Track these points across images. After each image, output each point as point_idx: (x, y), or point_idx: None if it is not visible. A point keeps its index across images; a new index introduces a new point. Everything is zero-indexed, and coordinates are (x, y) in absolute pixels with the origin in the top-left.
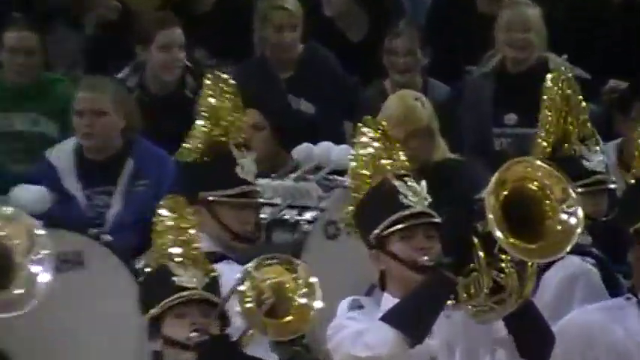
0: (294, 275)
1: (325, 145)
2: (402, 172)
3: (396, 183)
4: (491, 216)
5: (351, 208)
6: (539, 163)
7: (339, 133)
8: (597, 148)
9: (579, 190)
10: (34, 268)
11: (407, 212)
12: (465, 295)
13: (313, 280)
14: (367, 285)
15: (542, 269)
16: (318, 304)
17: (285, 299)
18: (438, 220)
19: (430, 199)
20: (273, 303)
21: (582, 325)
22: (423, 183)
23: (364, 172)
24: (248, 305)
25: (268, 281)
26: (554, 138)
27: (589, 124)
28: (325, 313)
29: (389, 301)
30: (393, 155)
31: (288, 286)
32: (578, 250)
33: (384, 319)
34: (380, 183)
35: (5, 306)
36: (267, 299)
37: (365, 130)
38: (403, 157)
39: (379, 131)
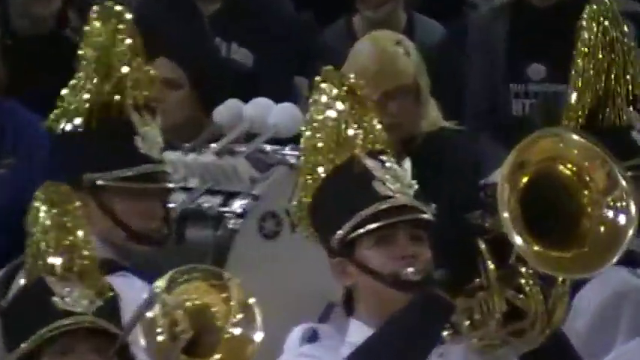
0: (223, 295)
1: (260, 103)
2: (378, 147)
3: (369, 163)
4: (505, 213)
5: (303, 196)
6: (575, 136)
7: (287, 91)
8: None
9: (629, 174)
10: None
11: (385, 205)
12: (467, 324)
13: (251, 301)
14: (323, 304)
15: (575, 286)
16: (258, 335)
17: (212, 330)
18: (428, 216)
19: (417, 186)
20: (193, 335)
21: None
22: (407, 163)
23: (323, 145)
24: (158, 339)
25: (187, 304)
26: (592, 100)
27: None
28: (265, 345)
29: (358, 330)
30: (364, 123)
31: (215, 310)
32: (627, 260)
33: (351, 359)
34: (346, 163)
35: None
36: (185, 331)
37: (325, 86)
38: (379, 126)
39: (345, 88)
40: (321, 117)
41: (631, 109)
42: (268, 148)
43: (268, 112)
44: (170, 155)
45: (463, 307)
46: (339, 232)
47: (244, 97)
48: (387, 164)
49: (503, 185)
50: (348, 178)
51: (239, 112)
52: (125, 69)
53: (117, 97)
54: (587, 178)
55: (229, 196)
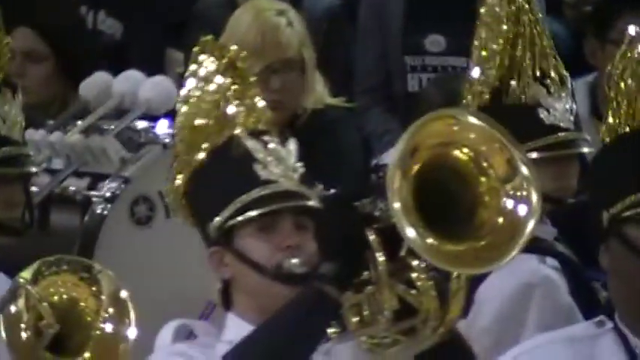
0: (93, 289)
1: (130, 77)
2: (261, 127)
3: (251, 144)
4: (396, 204)
5: (178, 179)
6: (472, 118)
7: (159, 64)
8: (563, 91)
9: (534, 155)
10: None
11: (266, 191)
12: (355, 321)
13: (123, 295)
14: (201, 297)
15: (479, 278)
16: (131, 332)
17: (81, 326)
18: (313, 203)
19: (302, 170)
20: (60, 332)
21: None
22: (292, 145)
23: (200, 122)
24: (22, 334)
25: (53, 298)
26: (496, 75)
27: (551, 54)
28: (137, 342)
29: (235, 326)
30: (246, 100)
31: (84, 305)
32: (536, 248)
33: (228, 359)
34: (225, 143)
35: None
36: (50, 326)
37: (203, 58)
38: (262, 104)
39: (226, 61)
40: (198, 92)
41: (538, 85)
42: (140, 125)
43: (139, 87)
44: (33, 134)
45: (351, 302)
46: (217, 219)
47: (113, 71)
48: (270, 145)
49: (394, 172)
50: (227, 160)
51: (108, 86)
52: None
53: None
54: (485, 165)
55: (97, 179)
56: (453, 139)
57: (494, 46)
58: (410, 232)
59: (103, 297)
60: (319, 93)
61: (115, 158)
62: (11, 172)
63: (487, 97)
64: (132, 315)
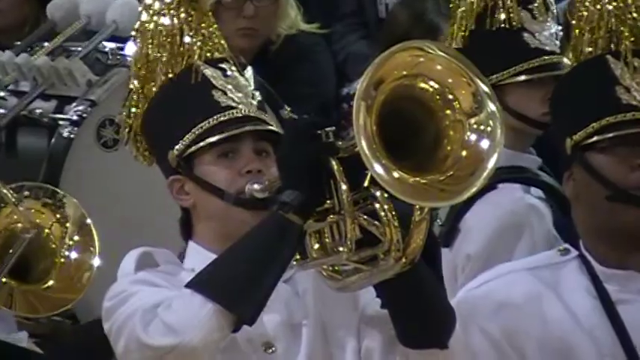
0: (58, 215)
1: None
2: (218, 55)
3: (209, 72)
4: (362, 140)
5: (132, 113)
6: (438, 50)
7: None
8: (548, 15)
9: (522, 77)
10: None
11: (226, 117)
12: (316, 249)
13: (88, 222)
14: (169, 222)
15: (463, 207)
16: (96, 260)
17: (45, 253)
18: (274, 128)
19: (260, 98)
20: (24, 259)
21: (499, 300)
22: (250, 71)
23: (155, 55)
24: None
25: (14, 225)
26: (480, 2)
27: None
28: (105, 269)
29: (197, 254)
30: (202, 30)
31: (48, 232)
32: (520, 178)
33: (192, 285)
34: (183, 72)
35: None
36: (10, 254)
37: None
38: (218, 33)
39: None
40: (152, 25)
41: (522, 9)
42: (107, 47)
43: (107, 8)
44: (0, 56)
45: (312, 230)
46: (177, 147)
47: None
48: (228, 73)
49: (359, 104)
50: (185, 88)
51: (75, 7)
52: None
53: None
54: (451, 97)
55: (64, 101)
56: (419, 71)
57: None
58: (377, 168)
59: (68, 224)
60: (293, 19)
61: (81, 81)
62: None
63: (471, 24)
64: (96, 243)
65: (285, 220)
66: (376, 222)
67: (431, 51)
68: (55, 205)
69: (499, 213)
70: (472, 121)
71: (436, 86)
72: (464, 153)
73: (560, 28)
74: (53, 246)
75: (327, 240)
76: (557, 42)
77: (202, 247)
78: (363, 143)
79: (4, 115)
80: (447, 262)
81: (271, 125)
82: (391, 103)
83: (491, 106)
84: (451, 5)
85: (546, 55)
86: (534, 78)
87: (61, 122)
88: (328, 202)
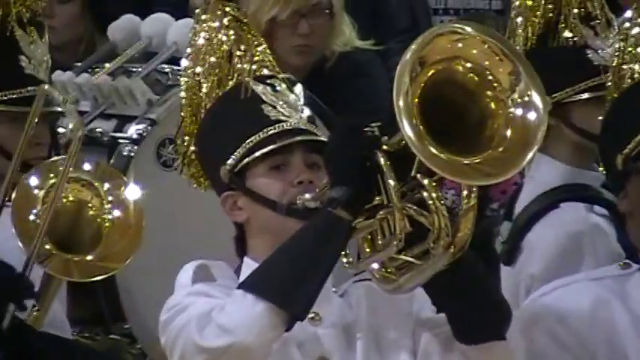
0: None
1: (159, 19)
2: (267, 72)
3: (258, 88)
4: (404, 118)
5: (186, 141)
6: (473, 32)
7: (183, 5)
8: (609, 32)
9: (585, 95)
10: None
11: (276, 129)
12: (367, 249)
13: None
14: (228, 242)
15: (525, 226)
16: (131, 192)
17: (90, 223)
18: (324, 139)
19: (310, 113)
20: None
21: (567, 307)
22: (299, 87)
23: (207, 78)
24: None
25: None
26: (541, 19)
27: None
28: (162, 287)
29: (252, 269)
30: (251, 49)
31: (90, 205)
32: (582, 196)
33: (243, 286)
34: (233, 89)
35: None
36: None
37: (206, 17)
38: (268, 51)
39: (228, 18)
40: (203, 50)
41: (585, 26)
42: (167, 68)
43: (167, 29)
44: (60, 76)
45: (363, 228)
46: (229, 162)
47: (138, 12)
48: (278, 88)
49: (403, 72)
50: (235, 104)
51: (136, 28)
52: None
53: None
54: (491, 78)
55: (124, 121)
56: (457, 54)
57: None
58: (417, 143)
59: (98, 185)
60: (347, 36)
61: (141, 100)
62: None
63: (534, 40)
64: (124, 178)
65: (334, 216)
66: (425, 212)
67: (467, 33)
68: (89, 182)
69: (562, 233)
70: (514, 96)
71: (474, 68)
72: (510, 129)
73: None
74: (93, 213)
75: (378, 242)
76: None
77: (256, 263)
78: (405, 121)
79: (64, 134)
80: (509, 281)
81: (321, 137)
82: (432, 90)
83: (527, 78)
84: (509, 27)
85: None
86: (597, 95)
87: (120, 141)
88: (377, 198)
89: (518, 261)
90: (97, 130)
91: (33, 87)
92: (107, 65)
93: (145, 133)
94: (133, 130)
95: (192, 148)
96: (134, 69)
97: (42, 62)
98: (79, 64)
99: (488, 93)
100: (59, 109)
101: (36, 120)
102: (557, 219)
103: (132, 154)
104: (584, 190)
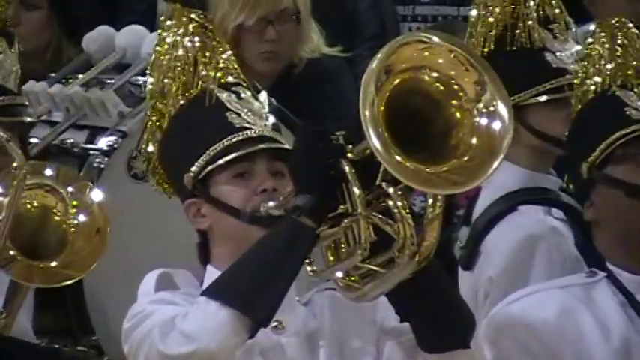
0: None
1: (134, 31)
2: (232, 79)
3: (223, 95)
4: (370, 128)
5: (150, 145)
6: (439, 41)
7: (150, 14)
8: (568, 34)
9: (543, 98)
10: None
11: (240, 136)
12: (331, 257)
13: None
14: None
15: (484, 229)
16: (95, 195)
17: (56, 228)
18: (288, 147)
19: (274, 120)
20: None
21: (534, 316)
22: (264, 95)
23: (172, 87)
24: None
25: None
26: (499, 21)
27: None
28: (131, 300)
29: (214, 278)
30: (216, 56)
31: (55, 210)
32: (541, 199)
33: (207, 293)
34: (197, 96)
35: None
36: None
37: (171, 24)
38: (232, 58)
39: (194, 25)
40: (166, 57)
41: (543, 29)
42: (141, 80)
43: (142, 41)
44: (33, 86)
45: (327, 236)
46: (193, 169)
47: (105, 19)
48: (242, 95)
49: (369, 83)
50: (199, 111)
51: (110, 40)
52: None
53: None
54: (456, 87)
55: (96, 132)
56: (423, 64)
57: None
58: (389, 160)
59: (62, 191)
60: (315, 42)
61: (113, 112)
62: (5, 120)
63: (490, 46)
64: (87, 182)
65: (298, 224)
66: (390, 220)
67: (433, 43)
68: (53, 188)
69: (520, 236)
70: (479, 106)
71: (440, 77)
72: (475, 138)
73: (580, 48)
74: (58, 219)
75: (343, 250)
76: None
77: (219, 271)
78: (370, 129)
79: (35, 144)
80: (468, 285)
81: (285, 144)
82: (398, 98)
83: (493, 88)
84: (469, 29)
85: (568, 74)
86: (556, 98)
87: (91, 152)
88: (342, 206)
89: (477, 265)
90: (69, 141)
91: (2, 97)
92: (81, 76)
93: (116, 145)
94: (104, 142)
95: (156, 154)
96: (107, 80)
97: (11, 72)
98: (53, 74)
99: (454, 102)
100: (28, 119)
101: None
102: (515, 222)
103: (102, 165)
104: (543, 194)
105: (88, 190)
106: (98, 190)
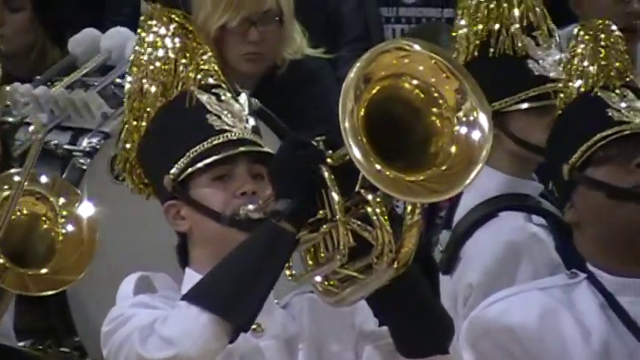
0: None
1: (119, 33)
2: (212, 81)
3: (203, 97)
4: (349, 137)
5: (127, 144)
6: (419, 49)
7: (132, 16)
8: (551, 41)
9: (525, 105)
10: None
11: (221, 139)
12: (310, 262)
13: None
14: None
15: (464, 235)
16: (85, 209)
17: (44, 236)
18: (268, 150)
19: (255, 123)
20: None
21: (514, 319)
22: (244, 97)
23: (151, 86)
24: None
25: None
26: (482, 27)
27: (538, 6)
28: (114, 301)
29: (194, 281)
30: (196, 57)
31: (44, 219)
32: (521, 205)
33: (187, 297)
34: (177, 98)
35: None
36: None
37: (152, 23)
38: (212, 60)
39: (174, 25)
40: (146, 57)
41: (526, 36)
42: (125, 82)
43: (127, 43)
44: (18, 87)
45: (306, 241)
46: (172, 170)
47: (90, 21)
48: (223, 98)
49: (347, 94)
50: (180, 113)
51: (96, 42)
52: None
53: None
54: (436, 95)
55: (79, 133)
56: (403, 72)
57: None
58: (361, 159)
59: (52, 199)
60: (298, 44)
61: (97, 113)
62: None
63: (474, 50)
64: (78, 191)
65: (278, 228)
66: (369, 227)
67: (412, 50)
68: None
69: (500, 242)
70: (459, 114)
71: (420, 85)
72: (454, 147)
73: (564, 55)
74: (46, 227)
75: (321, 255)
76: (561, 68)
77: (198, 274)
78: (349, 137)
79: (19, 145)
80: (447, 290)
81: (265, 148)
82: (378, 106)
83: (474, 97)
84: (453, 33)
85: (550, 82)
86: (537, 106)
87: (74, 153)
88: (321, 212)
89: (457, 270)
90: (52, 142)
91: None
92: (67, 78)
93: (98, 146)
94: (86, 142)
95: (134, 154)
96: (92, 82)
97: None
98: (39, 77)
99: (434, 110)
100: (9, 120)
101: None
102: (495, 228)
103: (84, 166)
104: (524, 200)
105: (78, 203)
106: (89, 202)
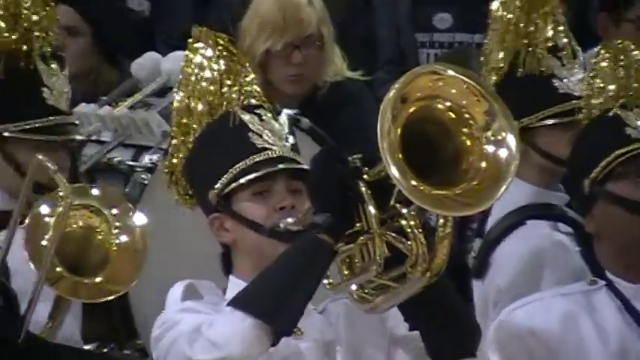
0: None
1: (178, 57)
2: (254, 102)
3: (245, 117)
4: (387, 153)
5: (174, 159)
6: (453, 73)
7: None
8: (575, 62)
9: (550, 121)
10: None
11: (262, 157)
12: (346, 271)
13: (115, 193)
14: None
15: (494, 242)
16: (138, 219)
17: (98, 247)
18: (306, 167)
19: (294, 141)
20: (79, 257)
21: (537, 323)
22: (284, 117)
23: (197, 105)
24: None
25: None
26: (511, 50)
27: (564, 28)
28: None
29: (237, 287)
30: (239, 79)
31: (99, 230)
32: (548, 214)
33: (232, 303)
34: (221, 117)
35: None
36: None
37: (199, 46)
38: (255, 81)
39: (220, 48)
40: (193, 77)
41: (552, 57)
42: None
43: None
44: (84, 108)
45: (343, 253)
46: (217, 186)
47: (143, 47)
48: (264, 118)
49: (385, 113)
50: (223, 132)
51: (157, 65)
52: (34, 17)
53: (24, 48)
54: (467, 117)
55: (141, 150)
56: (437, 94)
57: (507, 22)
58: (397, 175)
59: (106, 212)
60: (338, 66)
61: (157, 131)
62: (57, 139)
63: (504, 71)
64: (130, 205)
65: (317, 240)
66: (403, 239)
67: (445, 74)
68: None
69: (527, 249)
70: (488, 134)
71: (453, 107)
72: (484, 164)
73: (587, 74)
74: (101, 238)
75: (357, 265)
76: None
77: (241, 280)
78: (386, 154)
79: (85, 161)
80: (479, 294)
81: (303, 164)
82: (413, 125)
83: (502, 117)
84: (482, 58)
85: (574, 99)
86: (562, 122)
87: (136, 169)
88: (358, 224)
89: (488, 275)
90: (116, 158)
91: (54, 117)
92: (128, 100)
93: (158, 162)
94: (147, 159)
95: (180, 169)
96: (152, 102)
97: (62, 93)
98: (104, 97)
99: (465, 130)
100: (78, 138)
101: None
102: (522, 235)
103: (146, 181)
104: (550, 209)
105: (130, 213)
106: (140, 213)
